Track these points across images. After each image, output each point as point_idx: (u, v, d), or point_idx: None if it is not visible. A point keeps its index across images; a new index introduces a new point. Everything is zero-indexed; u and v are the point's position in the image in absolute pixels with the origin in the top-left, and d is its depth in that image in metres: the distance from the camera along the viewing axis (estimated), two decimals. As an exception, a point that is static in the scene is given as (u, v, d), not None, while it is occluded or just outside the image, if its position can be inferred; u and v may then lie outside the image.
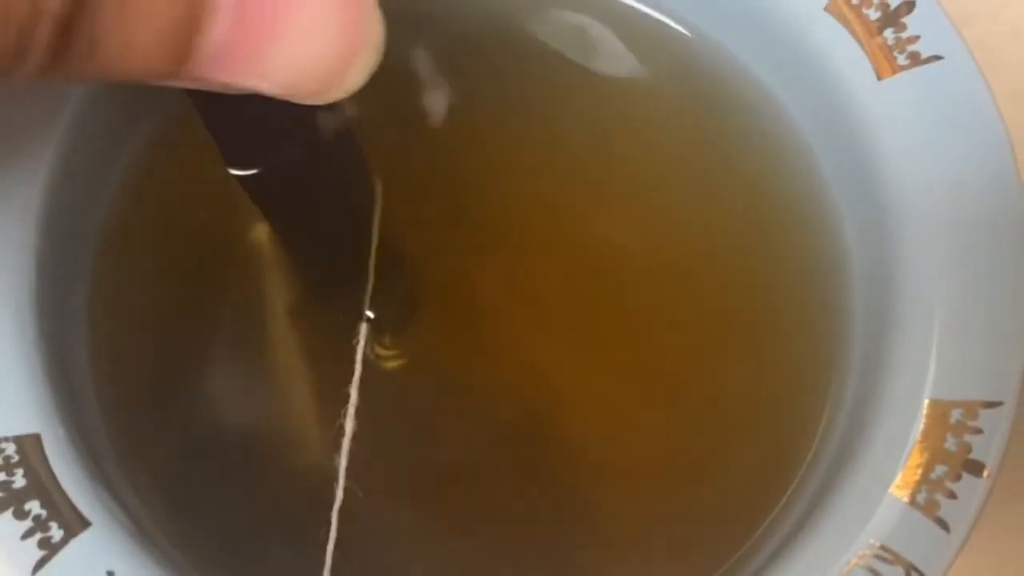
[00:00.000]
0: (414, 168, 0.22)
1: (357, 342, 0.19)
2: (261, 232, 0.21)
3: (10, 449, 0.17)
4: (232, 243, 0.21)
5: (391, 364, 0.21)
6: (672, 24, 0.22)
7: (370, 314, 0.21)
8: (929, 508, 0.17)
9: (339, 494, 0.18)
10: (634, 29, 0.22)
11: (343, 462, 0.18)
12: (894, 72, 0.19)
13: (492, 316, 0.22)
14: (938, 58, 0.19)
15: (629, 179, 0.22)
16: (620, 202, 0.22)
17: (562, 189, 0.22)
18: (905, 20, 0.19)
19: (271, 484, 0.20)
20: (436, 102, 0.22)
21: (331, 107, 0.20)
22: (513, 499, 0.20)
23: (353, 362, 0.19)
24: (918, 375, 0.18)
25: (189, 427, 0.20)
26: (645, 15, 0.23)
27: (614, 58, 0.23)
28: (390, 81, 0.22)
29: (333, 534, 0.17)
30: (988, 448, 0.17)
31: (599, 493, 0.21)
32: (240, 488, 0.20)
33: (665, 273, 0.22)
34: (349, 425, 0.18)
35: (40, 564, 0.16)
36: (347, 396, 0.18)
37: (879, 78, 0.19)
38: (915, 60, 0.19)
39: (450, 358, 0.21)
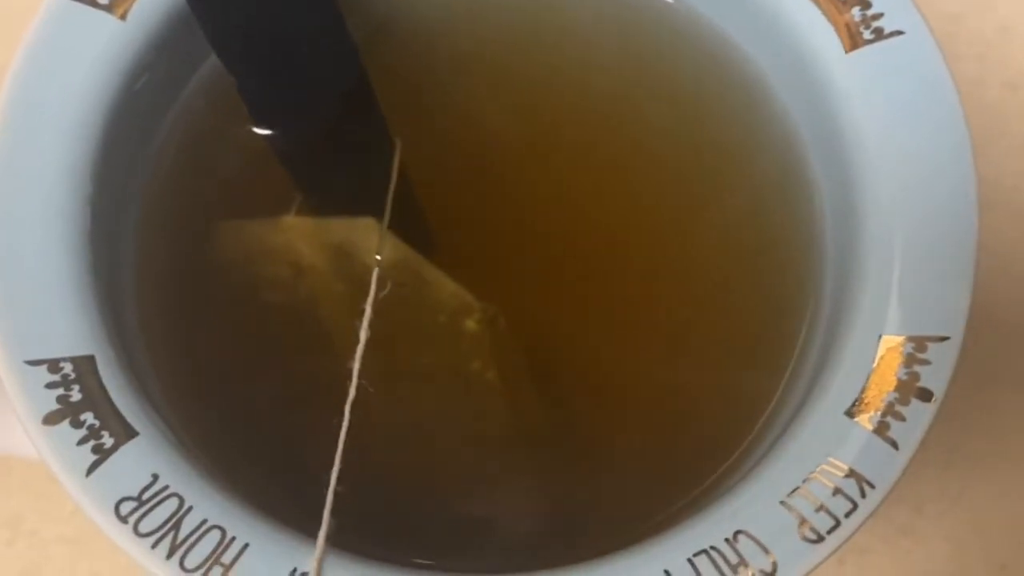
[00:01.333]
0: (430, 125, 0.25)
1: (374, 267, 0.22)
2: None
3: (68, 368, 0.19)
4: (266, 186, 0.23)
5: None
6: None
7: (379, 257, 0.23)
8: (881, 429, 0.19)
9: (352, 392, 0.20)
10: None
11: (356, 365, 0.20)
12: (860, 45, 0.21)
13: (498, 256, 0.24)
14: (900, 33, 0.21)
15: (624, 139, 0.24)
16: (614, 164, 0.25)
17: (557, 150, 0.25)
18: (871, -1, 0.22)
19: (290, 392, 0.22)
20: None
21: (349, 64, 0.23)
22: (521, 421, 0.23)
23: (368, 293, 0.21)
24: (875, 315, 0.20)
25: (219, 352, 0.22)
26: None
27: (606, 29, 0.25)
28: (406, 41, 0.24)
29: (345, 424, 0.20)
30: (936, 377, 0.19)
31: (598, 416, 0.23)
32: (263, 399, 0.22)
33: (660, 227, 0.24)
34: (363, 335, 0.21)
35: (94, 466, 0.18)
36: (363, 311, 0.21)
37: (847, 51, 0.21)
38: (879, 35, 0.21)
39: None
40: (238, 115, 0.23)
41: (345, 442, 0.20)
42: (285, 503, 0.19)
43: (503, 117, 0.25)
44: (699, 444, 0.22)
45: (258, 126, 0.23)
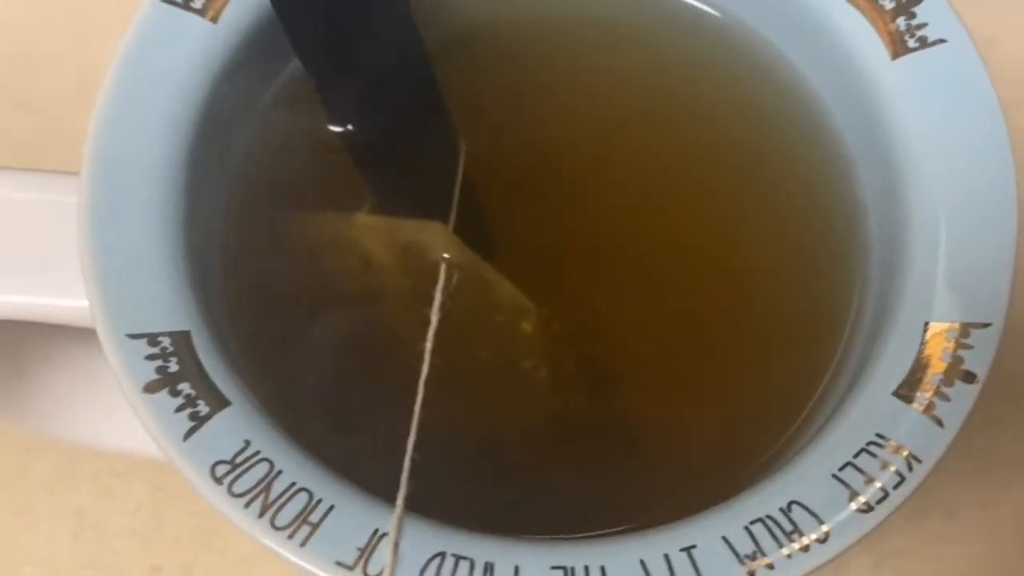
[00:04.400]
0: (494, 131, 0.26)
1: (442, 262, 0.23)
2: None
3: (166, 342, 0.20)
4: (341, 184, 0.25)
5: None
6: (704, 8, 0.26)
7: (447, 255, 0.24)
8: (927, 408, 0.20)
9: (424, 369, 0.21)
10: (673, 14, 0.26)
11: (428, 345, 0.22)
12: (905, 53, 0.23)
13: (553, 261, 0.26)
14: (943, 41, 0.23)
15: (672, 141, 0.26)
16: (667, 172, 0.26)
17: (613, 155, 0.26)
18: (915, 9, 0.23)
19: (365, 368, 0.24)
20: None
21: (420, 70, 0.24)
22: (569, 414, 0.24)
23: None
24: (921, 304, 0.21)
25: (295, 332, 0.24)
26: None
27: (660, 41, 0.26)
28: (476, 52, 0.26)
29: (419, 398, 0.21)
30: (979, 361, 0.20)
31: (649, 408, 0.24)
32: (336, 378, 0.24)
33: (712, 227, 0.25)
34: (434, 317, 0.22)
35: (191, 432, 0.20)
36: (430, 301, 0.22)
37: (892, 58, 0.23)
38: (923, 43, 0.23)
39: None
40: (318, 115, 0.24)
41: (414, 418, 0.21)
42: (360, 474, 0.21)
43: (564, 127, 0.27)
44: (750, 429, 0.23)
45: (334, 125, 0.25)
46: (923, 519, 0.36)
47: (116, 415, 0.31)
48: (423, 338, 0.22)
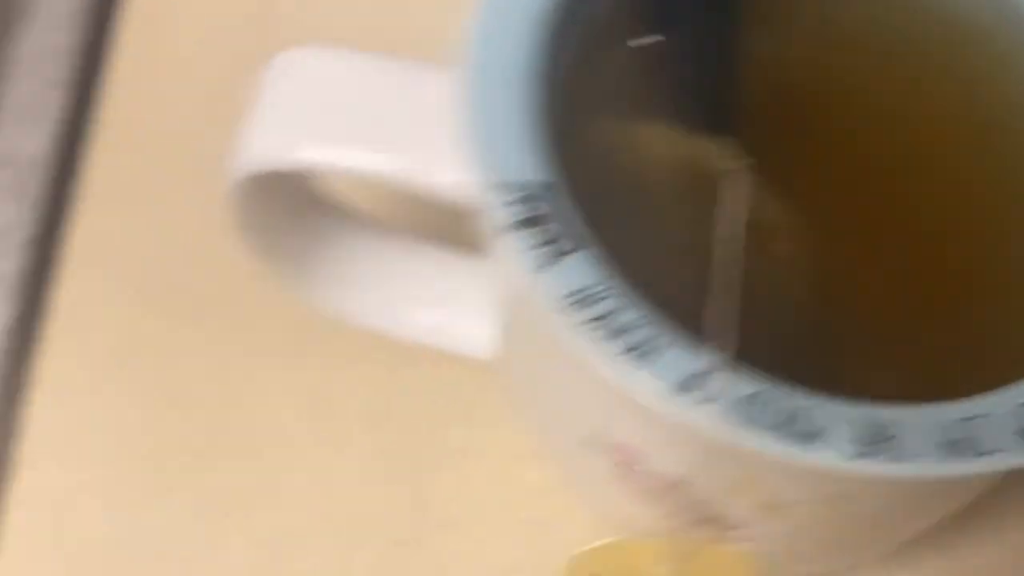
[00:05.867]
0: (791, 63, 0.29)
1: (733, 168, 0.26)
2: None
3: (533, 189, 0.23)
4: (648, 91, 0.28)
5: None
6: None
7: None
8: None
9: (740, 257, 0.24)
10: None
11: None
12: None
13: (816, 193, 0.29)
14: None
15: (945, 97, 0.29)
16: (941, 116, 0.29)
17: (899, 105, 0.29)
18: None
19: (672, 257, 0.26)
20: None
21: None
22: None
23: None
24: None
25: (607, 208, 0.26)
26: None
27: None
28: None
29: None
30: None
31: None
32: (650, 256, 0.25)
33: (976, 171, 0.28)
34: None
35: (548, 264, 0.23)
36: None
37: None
38: None
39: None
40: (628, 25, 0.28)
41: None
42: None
43: (856, 78, 0.29)
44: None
45: (648, 34, 0.28)
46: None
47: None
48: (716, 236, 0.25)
